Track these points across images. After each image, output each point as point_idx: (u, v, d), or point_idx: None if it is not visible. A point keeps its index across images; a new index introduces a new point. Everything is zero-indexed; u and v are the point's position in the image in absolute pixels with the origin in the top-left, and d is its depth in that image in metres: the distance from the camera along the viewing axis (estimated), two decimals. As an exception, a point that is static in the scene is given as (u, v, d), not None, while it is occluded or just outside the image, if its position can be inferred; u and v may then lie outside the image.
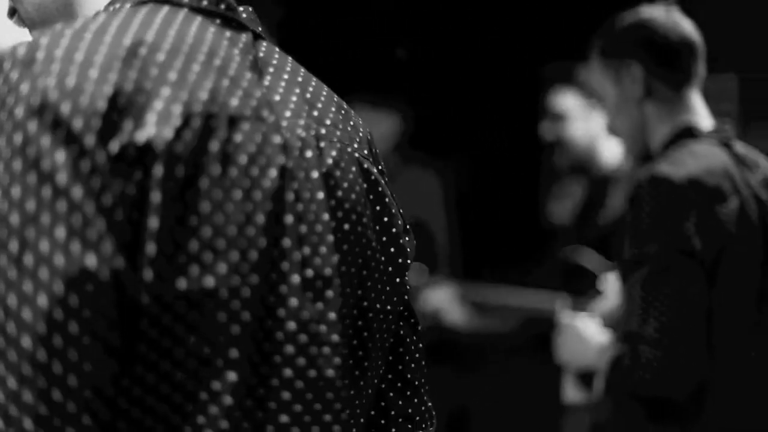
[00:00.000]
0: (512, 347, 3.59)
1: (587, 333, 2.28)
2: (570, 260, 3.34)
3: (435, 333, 3.81)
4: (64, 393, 0.82)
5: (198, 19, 0.98)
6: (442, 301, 3.52)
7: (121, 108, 0.87)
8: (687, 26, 2.23)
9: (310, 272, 0.96)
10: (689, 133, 2.16)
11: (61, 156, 0.85)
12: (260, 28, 1.05)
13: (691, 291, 1.94)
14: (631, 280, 1.98)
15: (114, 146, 0.86)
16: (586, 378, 2.36)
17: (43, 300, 0.82)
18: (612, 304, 2.86)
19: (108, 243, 0.84)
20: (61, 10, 1.06)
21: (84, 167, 0.85)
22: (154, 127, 0.87)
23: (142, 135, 0.87)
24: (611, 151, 3.30)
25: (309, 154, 0.99)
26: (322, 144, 1.01)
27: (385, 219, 1.07)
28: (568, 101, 3.38)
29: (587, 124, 3.36)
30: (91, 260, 0.83)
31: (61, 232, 0.84)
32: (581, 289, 3.24)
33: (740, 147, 2.19)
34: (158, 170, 0.86)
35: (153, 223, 0.86)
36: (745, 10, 4.47)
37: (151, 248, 0.86)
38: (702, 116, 2.21)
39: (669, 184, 1.98)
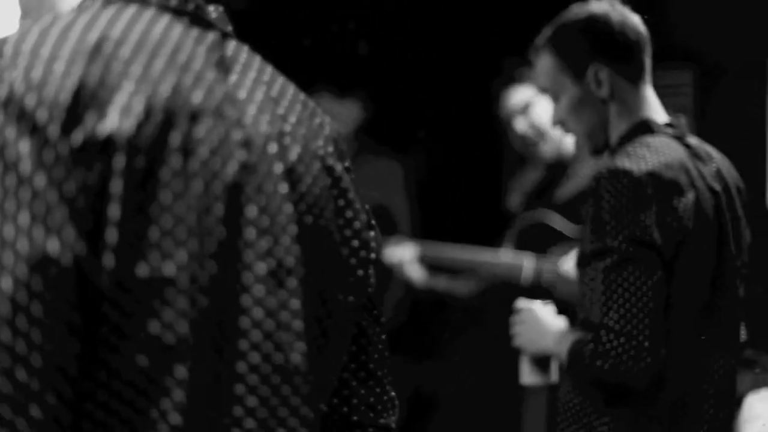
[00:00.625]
0: (474, 307, 3.64)
1: (545, 319, 2.33)
2: (530, 221, 3.41)
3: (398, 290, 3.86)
4: (29, 372, 0.86)
5: (165, 18, 1.02)
6: (403, 258, 3.56)
7: (85, 101, 0.91)
8: (636, 19, 2.26)
9: (273, 262, 1.00)
10: (646, 127, 2.21)
11: (25, 146, 0.88)
12: (229, 28, 1.09)
13: (651, 282, 1.99)
14: (591, 271, 2.04)
15: (77, 137, 0.89)
16: (542, 361, 2.42)
17: (7, 283, 0.86)
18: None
19: (70, 229, 0.88)
20: (37, 6, 1.10)
21: (47, 157, 0.88)
22: (116, 119, 0.91)
23: (105, 127, 0.90)
24: (559, 140, 3.37)
25: (272, 149, 1.03)
26: (286, 141, 1.05)
27: (348, 214, 1.12)
28: (526, 94, 3.44)
29: (533, 115, 3.42)
30: (53, 246, 0.87)
31: (24, 219, 0.87)
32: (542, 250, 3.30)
33: (693, 140, 2.25)
34: (119, 161, 0.90)
35: (114, 211, 0.90)
36: (704, 4, 4.54)
37: (112, 235, 0.90)
38: (657, 110, 2.26)
39: (629, 177, 2.03)
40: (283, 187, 1.03)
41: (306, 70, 4.04)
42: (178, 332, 0.92)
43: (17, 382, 0.85)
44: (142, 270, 0.91)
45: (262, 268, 0.99)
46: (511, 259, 3.37)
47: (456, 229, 3.89)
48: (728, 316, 2.18)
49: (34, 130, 0.89)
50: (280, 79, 1.12)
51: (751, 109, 4.46)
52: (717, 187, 2.18)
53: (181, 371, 0.93)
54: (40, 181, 0.88)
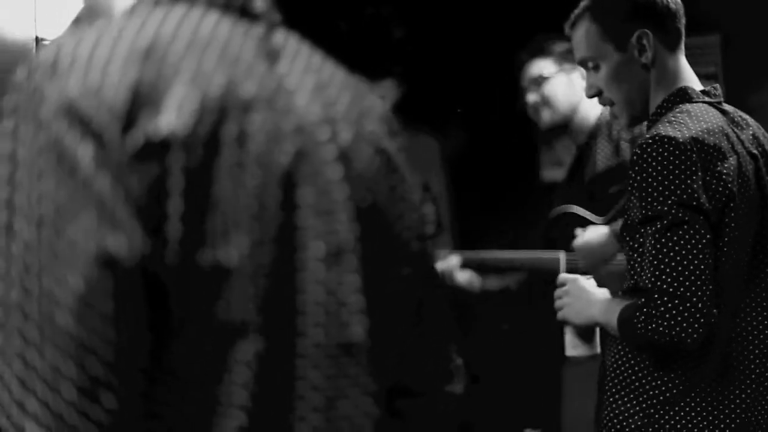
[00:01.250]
0: (514, 301, 3.69)
1: (589, 289, 2.36)
2: (560, 217, 3.46)
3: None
4: (103, 366, 0.89)
5: (213, 14, 1.04)
6: (450, 266, 3.63)
7: (140, 102, 0.93)
8: None
9: (331, 242, 1.03)
10: (685, 95, 2.26)
11: (85, 150, 0.90)
12: (277, 17, 1.11)
13: (702, 245, 2.03)
14: (640, 238, 2.07)
15: (135, 138, 0.92)
16: (587, 332, 2.46)
17: (77, 282, 0.89)
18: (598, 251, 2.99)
19: (134, 228, 0.91)
20: (90, 11, 1.13)
21: (107, 159, 0.91)
22: (172, 117, 0.93)
23: (161, 125, 0.92)
24: (592, 109, 3.41)
25: (323, 135, 1.06)
26: (337, 125, 1.08)
27: (402, 191, 1.15)
28: (544, 66, 3.47)
29: (567, 84, 3.46)
30: (118, 245, 0.90)
31: (89, 220, 0.90)
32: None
33: (729, 107, 2.29)
34: (177, 157, 0.93)
35: (175, 205, 0.92)
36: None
37: (174, 228, 0.92)
38: (693, 79, 2.31)
39: (674, 144, 2.06)
40: (337, 171, 1.05)
41: (342, 51, 4.07)
42: (242, 315, 0.95)
43: (92, 376, 0.89)
44: (205, 259, 0.94)
45: (320, 248, 1.02)
46: (547, 253, 3.42)
47: (493, 203, 3.93)
48: (771, 278, 2.22)
49: (93, 133, 0.91)
50: (329, 65, 1.14)
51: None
52: (755, 151, 2.23)
53: (245, 352, 0.96)
54: (102, 182, 0.91)
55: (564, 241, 3.38)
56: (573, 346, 2.47)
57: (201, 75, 0.97)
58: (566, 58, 3.42)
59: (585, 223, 3.36)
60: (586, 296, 2.34)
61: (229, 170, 0.95)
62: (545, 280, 3.45)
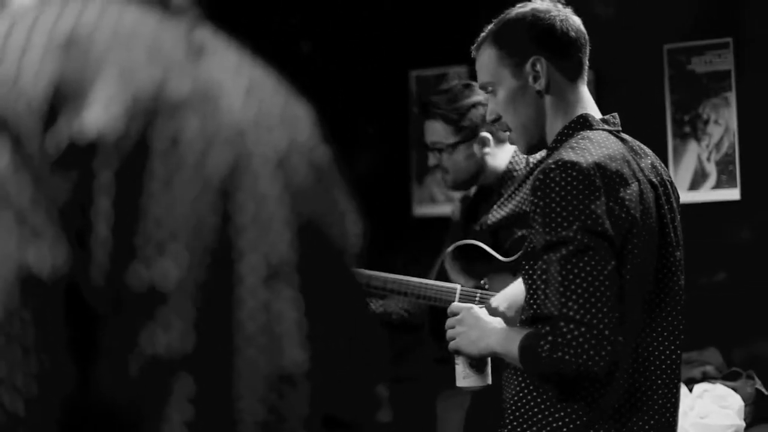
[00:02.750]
0: (406, 328, 3.63)
1: (484, 318, 2.31)
2: (460, 244, 3.42)
3: None
4: (24, 401, 0.79)
5: (133, 8, 0.95)
6: None
7: (63, 98, 0.83)
8: (577, 20, 2.33)
9: (272, 260, 0.93)
10: (585, 122, 2.25)
11: None
12: (199, 12, 1.02)
13: (607, 271, 2.01)
14: (543, 263, 2.03)
15: (58, 138, 0.82)
16: (480, 363, 2.40)
17: None
18: (512, 292, 2.94)
19: (57, 238, 0.81)
20: None
21: (26, 160, 0.81)
22: (100, 116, 0.84)
23: (88, 125, 0.83)
24: (502, 158, 3.37)
25: (259, 143, 0.96)
26: (271, 133, 0.98)
27: (337, 209, 1.07)
28: (444, 135, 3.40)
29: (468, 155, 3.39)
30: (39, 257, 0.80)
31: (4, 230, 0.80)
32: (473, 277, 3.31)
33: (627, 136, 2.30)
34: (107, 160, 0.83)
35: (105, 214, 0.83)
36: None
37: (104, 241, 0.82)
38: (592, 107, 2.31)
39: (577, 169, 2.04)
40: (275, 182, 0.96)
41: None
42: (179, 344, 0.86)
43: (10, 413, 0.78)
44: (137, 278, 0.84)
45: (260, 267, 0.92)
46: (442, 282, 3.37)
47: (369, 237, 3.86)
48: (672, 306, 2.21)
49: (8, 132, 0.81)
50: (257, 66, 1.04)
51: None
52: (655, 180, 2.23)
53: (184, 385, 0.86)
54: (19, 187, 0.81)
55: (464, 273, 3.33)
56: (464, 377, 2.41)
57: (129, 71, 0.87)
58: (465, 125, 3.36)
59: (487, 257, 3.32)
60: (482, 325, 2.29)
61: (162, 178, 0.85)
62: (437, 310, 3.41)
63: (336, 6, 5.09)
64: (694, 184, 4.68)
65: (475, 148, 3.38)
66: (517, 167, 3.36)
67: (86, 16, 0.89)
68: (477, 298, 3.29)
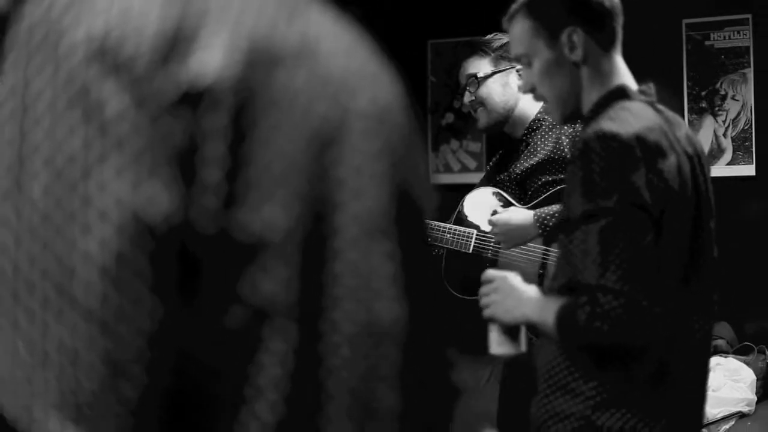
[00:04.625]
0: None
1: (520, 287, 2.30)
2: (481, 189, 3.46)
3: None
4: (136, 340, 0.78)
5: None
6: None
7: (183, 39, 0.82)
8: None
9: (368, 222, 0.92)
10: (622, 93, 2.25)
11: (110, 87, 0.79)
12: None
13: (645, 242, 2.01)
14: (581, 234, 2.04)
15: (177, 77, 0.81)
16: (513, 330, 2.41)
17: (93, 245, 0.77)
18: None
19: (161, 183, 0.80)
20: None
21: (144, 98, 0.80)
22: (219, 61, 0.83)
23: (192, 67, 0.82)
24: (532, 104, 3.41)
25: (362, 101, 0.95)
26: (372, 93, 0.97)
27: (423, 168, 1.05)
28: (480, 66, 3.45)
29: (503, 84, 3.44)
30: (142, 202, 0.79)
31: (109, 172, 0.78)
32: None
33: (662, 107, 2.29)
34: (225, 104, 0.82)
35: (222, 159, 0.82)
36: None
37: (218, 187, 0.81)
38: (628, 77, 2.31)
39: (618, 140, 2.04)
40: (375, 142, 0.95)
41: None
42: (277, 296, 0.85)
43: (120, 354, 0.78)
44: (245, 228, 0.83)
45: (355, 227, 0.91)
46: (460, 228, 3.41)
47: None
48: (706, 277, 2.22)
49: (126, 69, 0.79)
50: (351, 26, 1.03)
51: None
52: (690, 150, 2.23)
53: (277, 340, 0.85)
54: (136, 124, 0.79)
55: (479, 219, 3.37)
56: (498, 344, 2.41)
57: (245, 22, 0.86)
58: (503, 57, 3.41)
59: (506, 204, 3.36)
60: (516, 294, 2.29)
61: (271, 126, 0.85)
62: (452, 256, 3.44)
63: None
64: (711, 160, 4.69)
65: (511, 78, 3.42)
66: (546, 116, 3.39)
67: None
68: (491, 244, 3.32)
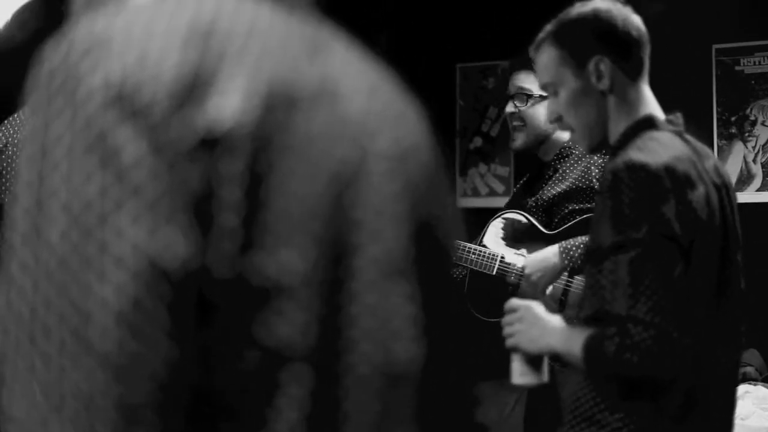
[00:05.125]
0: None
1: (544, 316, 2.29)
2: (506, 213, 3.46)
3: None
4: (151, 386, 0.78)
5: (265, 4, 0.93)
6: None
7: (201, 86, 0.82)
8: (638, 19, 2.32)
9: (388, 262, 0.92)
10: (649, 123, 2.24)
11: (132, 133, 0.79)
12: (316, 9, 1.02)
13: (676, 274, 2.00)
14: (611, 264, 2.02)
15: (195, 124, 0.81)
16: (536, 360, 2.39)
17: (108, 291, 0.77)
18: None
19: (177, 229, 0.79)
20: None
21: (160, 145, 0.80)
22: (237, 106, 0.82)
23: (225, 114, 0.82)
24: (561, 133, 3.41)
25: (381, 143, 0.95)
26: (392, 132, 0.97)
27: (447, 203, 1.05)
28: (531, 81, 3.43)
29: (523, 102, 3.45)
30: (158, 248, 0.79)
31: (125, 218, 0.78)
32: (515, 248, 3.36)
33: (690, 137, 2.28)
34: (242, 150, 0.82)
35: (238, 204, 0.81)
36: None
37: (234, 232, 0.81)
38: (655, 107, 2.30)
39: (647, 171, 2.03)
40: (395, 183, 0.94)
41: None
42: (294, 340, 0.84)
43: (120, 398, 0.77)
44: (261, 272, 0.82)
45: (375, 268, 0.90)
46: (485, 250, 3.41)
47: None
48: (733, 309, 2.20)
49: (143, 115, 0.80)
50: (374, 64, 1.04)
51: None
52: (718, 181, 2.21)
53: (294, 385, 0.84)
54: (153, 171, 0.79)
55: (506, 243, 3.37)
56: (521, 374, 2.39)
57: (262, 64, 0.86)
58: None
59: (532, 229, 3.36)
60: (541, 323, 2.27)
61: (289, 170, 0.84)
62: (476, 277, 3.44)
63: (386, 2, 5.10)
64: (740, 186, 4.66)
65: None
66: (576, 144, 3.39)
67: (225, 8, 0.88)
68: (515, 268, 3.33)
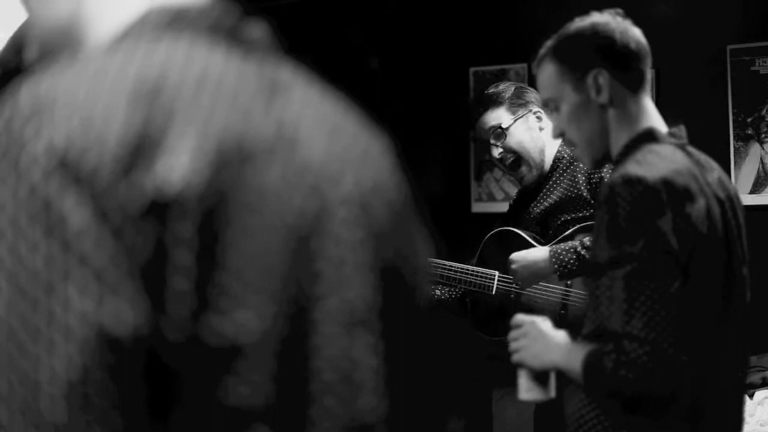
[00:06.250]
0: (450, 312, 3.67)
1: (549, 332, 2.29)
2: (499, 230, 3.47)
3: None
4: None
5: (217, 49, 0.91)
6: None
7: (147, 149, 0.80)
8: (638, 31, 2.30)
9: (352, 312, 0.90)
10: (650, 135, 2.22)
11: (77, 203, 0.78)
12: (273, 45, 0.99)
13: (672, 289, 1.99)
14: (608, 280, 2.01)
15: (141, 189, 0.79)
16: (542, 376, 2.38)
17: (59, 362, 0.76)
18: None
19: (137, 295, 0.78)
20: (64, 41, 0.98)
21: (105, 213, 0.78)
22: (185, 168, 0.81)
23: (158, 174, 0.80)
24: (552, 143, 3.40)
25: (342, 189, 0.92)
26: (354, 178, 0.94)
27: (414, 248, 1.02)
28: (500, 116, 3.43)
29: (527, 129, 3.42)
30: (108, 317, 0.77)
31: (72, 288, 0.77)
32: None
33: (693, 149, 2.26)
34: (190, 213, 0.80)
35: (189, 269, 0.80)
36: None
37: (185, 297, 0.80)
38: (657, 120, 2.28)
39: (644, 184, 2.02)
40: (358, 230, 0.92)
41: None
42: (253, 400, 0.83)
43: None
44: (216, 334, 0.81)
45: (339, 321, 0.89)
46: (482, 268, 3.42)
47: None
48: (738, 323, 2.18)
49: (87, 184, 0.78)
50: (334, 103, 1.01)
51: None
52: (722, 195, 2.19)
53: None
54: (98, 241, 0.78)
55: (500, 260, 3.38)
56: (527, 390, 2.38)
57: (215, 120, 0.84)
58: (516, 103, 3.40)
59: (526, 244, 3.36)
60: (545, 339, 2.27)
61: (245, 229, 0.82)
62: (475, 297, 3.45)
63: (400, 7, 5.09)
64: (756, 187, 4.62)
65: (531, 121, 3.42)
66: (565, 155, 3.40)
67: (171, 62, 0.86)
68: (514, 285, 3.33)
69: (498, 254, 3.44)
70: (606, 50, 2.26)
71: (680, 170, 2.09)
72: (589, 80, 2.25)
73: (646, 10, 2.34)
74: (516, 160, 3.44)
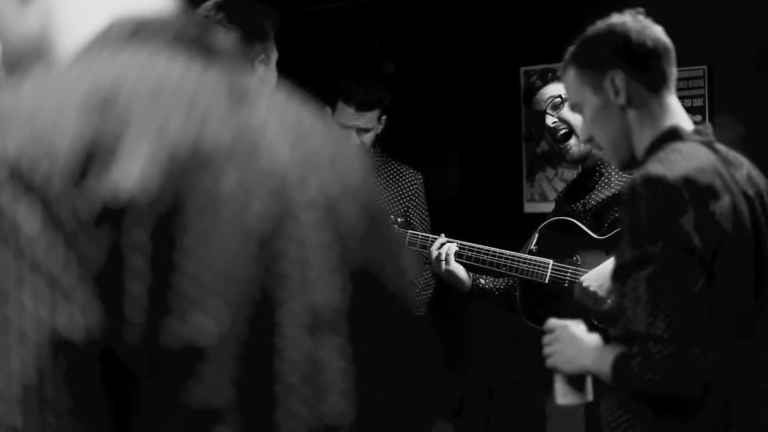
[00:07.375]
0: (501, 303, 3.68)
1: (581, 336, 2.29)
2: (556, 219, 3.45)
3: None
4: None
5: (177, 57, 0.93)
6: (447, 254, 3.60)
7: (98, 158, 0.82)
8: (657, 30, 2.29)
9: (317, 314, 0.91)
10: (674, 134, 2.21)
11: (29, 211, 0.80)
12: (239, 53, 1.01)
13: (696, 288, 1.97)
14: (633, 281, 2.01)
15: (92, 198, 0.81)
16: (577, 380, 2.38)
17: (15, 364, 0.79)
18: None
19: (89, 301, 0.80)
20: (33, 54, 1.01)
21: (57, 222, 0.80)
22: (136, 176, 0.82)
23: (124, 185, 0.81)
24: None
25: (306, 193, 0.93)
26: (319, 181, 0.95)
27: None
28: (562, 88, 3.39)
29: (564, 110, 3.43)
30: (72, 321, 0.79)
31: (27, 294, 0.79)
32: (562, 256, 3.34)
33: (721, 146, 2.25)
34: (142, 220, 0.82)
35: (142, 274, 0.81)
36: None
37: (140, 302, 0.81)
38: (682, 117, 2.27)
39: (664, 183, 2.01)
40: (324, 233, 0.93)
41: (329, 86, 4.06)
42: (216, 401, 0.84)
43: None
44: (174, 337, 0.82)
45: (303, 323, 0.90)
46: (536, 259, 3.40)
47: (479, 233, 3.90)
48: (768, 321, 2.16)
49: (39, 193, 0.80)
50: (303, 109, 1.02)
51: None
52: (750, 191, 2.17)
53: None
54: (50, 248, 0.80)
55: (555, 249, 3.35)
56: (563, 395, 2.38)
57: (165, 128, 0.85)
58: None
59: (581, 234, 3.33)
60: (577, 343, 2.27)
61: (199, 233, 0.84)
62: (528, 286, 3.44)
63: (451, 6, 5.11)
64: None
65: None
66: (609, 163, 3.36)
67: (127, 72, 0.88)
68: (569, 275, 3.30)
69: (553, 243, 3.42)
70: (622, 51, 2.25)
71: (703, 168, 2.08)
72: (607, 82, 2.25)
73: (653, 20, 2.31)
74: (567, 132, 3.41)
